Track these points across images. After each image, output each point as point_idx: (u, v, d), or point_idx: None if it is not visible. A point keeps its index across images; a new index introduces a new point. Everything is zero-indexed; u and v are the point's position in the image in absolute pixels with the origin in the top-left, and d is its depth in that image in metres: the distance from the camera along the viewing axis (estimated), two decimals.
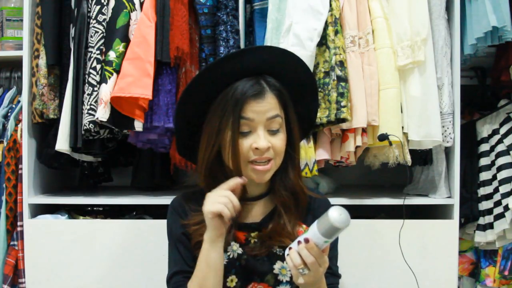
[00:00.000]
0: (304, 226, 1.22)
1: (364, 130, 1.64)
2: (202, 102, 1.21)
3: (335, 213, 0.98)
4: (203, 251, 1.14)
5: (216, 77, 1.18)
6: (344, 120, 1.58)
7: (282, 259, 1.19)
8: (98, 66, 1.64)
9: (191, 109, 1.23)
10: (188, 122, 1.25)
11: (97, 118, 1.59)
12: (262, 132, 1.15)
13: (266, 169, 1.17)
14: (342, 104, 1.57)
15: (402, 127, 1.64)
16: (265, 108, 1.15)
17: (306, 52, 1.59)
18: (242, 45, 1.73)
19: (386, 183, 2.13)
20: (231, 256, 1.20)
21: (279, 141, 1.17)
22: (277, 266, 1.20)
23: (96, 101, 1.62)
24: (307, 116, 1.31)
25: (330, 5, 1.64)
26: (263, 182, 1.20)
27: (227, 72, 1.17)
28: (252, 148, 1.15)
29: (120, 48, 1.62)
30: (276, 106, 1.17)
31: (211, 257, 1.13)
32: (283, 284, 1.19)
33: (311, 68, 1.62)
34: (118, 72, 1.61)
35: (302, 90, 1.25)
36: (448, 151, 1.77)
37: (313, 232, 1.02)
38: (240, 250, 1.20)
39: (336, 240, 1.27)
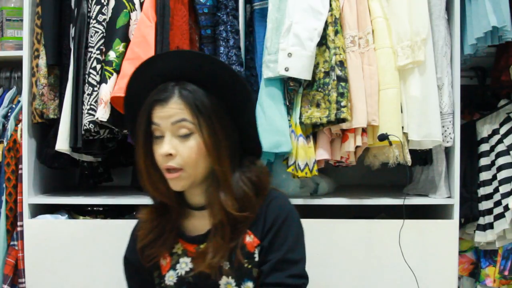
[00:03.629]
0: (252, 236, 1.16)
1: (364, 130, 1.64)
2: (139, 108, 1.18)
3: None
4: None
5: (140, 84, 1.18)
6: (344, 120, 1.58)
7: (228, 274, 1.15)
8: (98, 66, 1.64)
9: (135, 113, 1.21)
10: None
11: (97, 118, 1.59)
12: (168, 137, 1.12)
13: (173, 177, 1.12)
14: (342, 104, 1.57)
15: (402, 127, 1.64)
16: (169, 113, 1.11)
17: (306, 52, 1.59)
18: (242, 45, 1.73)
19: (386, 183, 2.13)
20: (179, 274, 1.18)
21: (187, 149, 1.11)
22: (223, 281, 1.15)
23: (96, 101, 1.62)
24: (250, 127, 1.22)
25: (330, 5, 1.64)
26: (181, 190, 1.16)
27: (147, 79, 1.17)
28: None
29: (120, 48, 1.63)
30: (181, 112, 1.12)
31: None
32: (246, 281, 1.15)
33: (311, 68, 1.62)
34: (118, 72, 1.62)
35: (233, 99, 1.18)
36: (448, 151, 1.77)
37: None
38: (188, 268, 1.18)
39: (293, 247, 1.16)
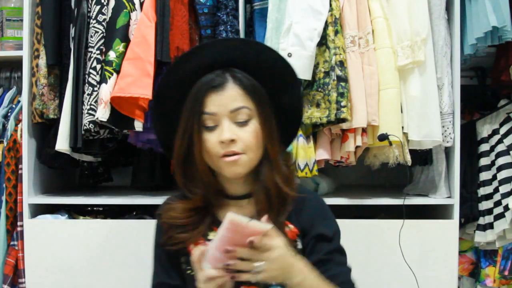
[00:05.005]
0: (291, 226, 1.17)
1: (364, 130, 1.64)
2: (177, 102, 1.17)
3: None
4: None
5: (182, 75, 1.16)
6: (344, 120, 1.58)
7: None
8: (98, 66, 1.64)
9: (168, 107, 1.19)
10: (167, 125, 1.21)
11: (97, 118, 1.59)
12: (226, 124, 1.10)
13: (233, 159, 1.10)
14: (342, 104, 1.57)
15: (402, 127, 1.64)
16: (226, 100, 1.11)
17: (306, 52, 1.59)
18: None
19: (386, 183, 2.13)
20: None
21: (247, 133, 1.11)
22: None
23: (96, 101, 1.62)
24: (292, 111, 1.24)
25: (330, 5, 1.64)
26: (237, 177, 1.15)
27: (191, 69, 1.15)
28: (219, 142, 1.11)
29: (120, 48, 1.62)
30: (240, 97, 1.11)
31: None
32: (273, 286, 1.13)
33: (311, 68, 1.62)
34: (118, 72, 1.62)
35: (279, 83, 1.19)
36: (448, 151, 1.77)
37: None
38: None
39: (334, 233, 1.21)
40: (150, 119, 1.65)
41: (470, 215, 1.81)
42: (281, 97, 1.20)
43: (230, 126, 1.11)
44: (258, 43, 1.21)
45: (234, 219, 0.92)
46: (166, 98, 1.20)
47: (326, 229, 1.17)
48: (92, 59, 1.64)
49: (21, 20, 1.84)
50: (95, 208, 1.90)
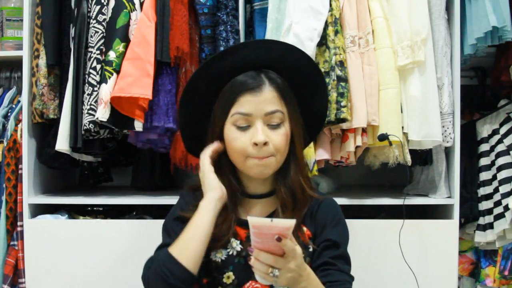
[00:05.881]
0: (304, 228, 1.19)
1: (364, 130, 1.64)
2: (206, 98, 1.19)
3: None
4: (195, 216, 1.12)
5: (216, 72, 1.16)
6: (344, 120, 1.58)
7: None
8: (98, 66, 1.64)
9: (195, 106, 1.21)
10: (192, 120, 1.23)
11: (97, 118, 1.59)
12: (260, 126, 1.12)
13: (263, 162, 1.13)
14: (342, 104, 1.57)
15: (402, 127, 1.64)
16: (262, 103, 1.12)
17: (306, 52, 1.59)
18: None
19: (386, 183, 2.13)
20: (230, 253, 1.19)
21: (279, 136, 1.14)
22: None
23: (96, 101, 1.62)
24: (317, 113, 1.27)
25: (330, 5, 1.64)
26: (262, 178, 1.17)
27: (227, 67, 1.16)
28: (251, 143, 1.12)
29: (120, 48, 1.62)
30: (275, 100, 1.14)
31: (202, 221, 1.11)
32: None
33: None
34: (118, 72, 1.61)
35: (308, 85, 1.22)
36: (448, 151, 1.77)
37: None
38: (239, 248, 1.19)
39: (342, 240, 1.22)
40: (151, 119, 1.65)
41: (470, 215, 1.81)
42: (309, 98, 1.22)
43: (263, 129, 1.13)
44: (289, 45, 1.25)
45: (257, 221, 0.92)
46: (195, 94, 1.21)
47: (335, 235, 1.19)
48: (92, 59, 1.64)
49: (21, 20, 1.84)
50: (95, 208, 1.91)
